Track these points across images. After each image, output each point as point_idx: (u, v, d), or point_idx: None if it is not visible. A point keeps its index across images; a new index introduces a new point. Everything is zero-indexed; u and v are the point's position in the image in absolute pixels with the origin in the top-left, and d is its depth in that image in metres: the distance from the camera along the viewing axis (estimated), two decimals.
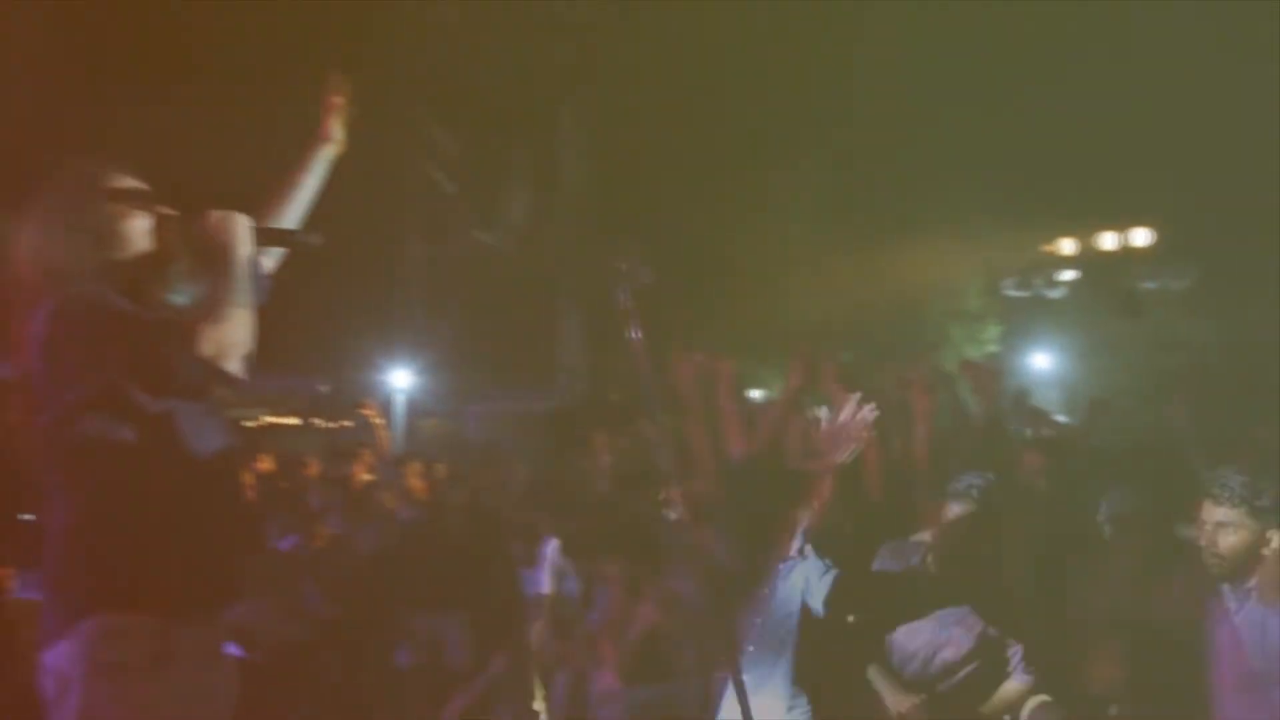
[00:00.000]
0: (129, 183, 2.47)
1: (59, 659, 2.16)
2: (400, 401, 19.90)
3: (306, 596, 6.45)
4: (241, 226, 2.41)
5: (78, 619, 2.15)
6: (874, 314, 26.94)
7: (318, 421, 20.26)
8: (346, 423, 18.66)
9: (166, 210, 2.47)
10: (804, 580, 3.67)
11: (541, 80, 28.72)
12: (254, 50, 16.04)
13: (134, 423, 2.19)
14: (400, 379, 20.30)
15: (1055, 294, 17.72)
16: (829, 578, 3.60)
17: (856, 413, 3.38)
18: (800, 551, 3.66)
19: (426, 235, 26.04)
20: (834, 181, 28.37)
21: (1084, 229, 17.93)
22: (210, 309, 2.25)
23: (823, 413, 3.52)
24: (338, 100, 2.99)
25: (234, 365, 2.21)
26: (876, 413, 3.43)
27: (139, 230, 2.43)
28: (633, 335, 2.37)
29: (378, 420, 8.02)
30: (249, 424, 15.31)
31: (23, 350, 2.24)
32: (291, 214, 2.81)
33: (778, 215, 30.33)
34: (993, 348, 29.02)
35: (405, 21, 23.49)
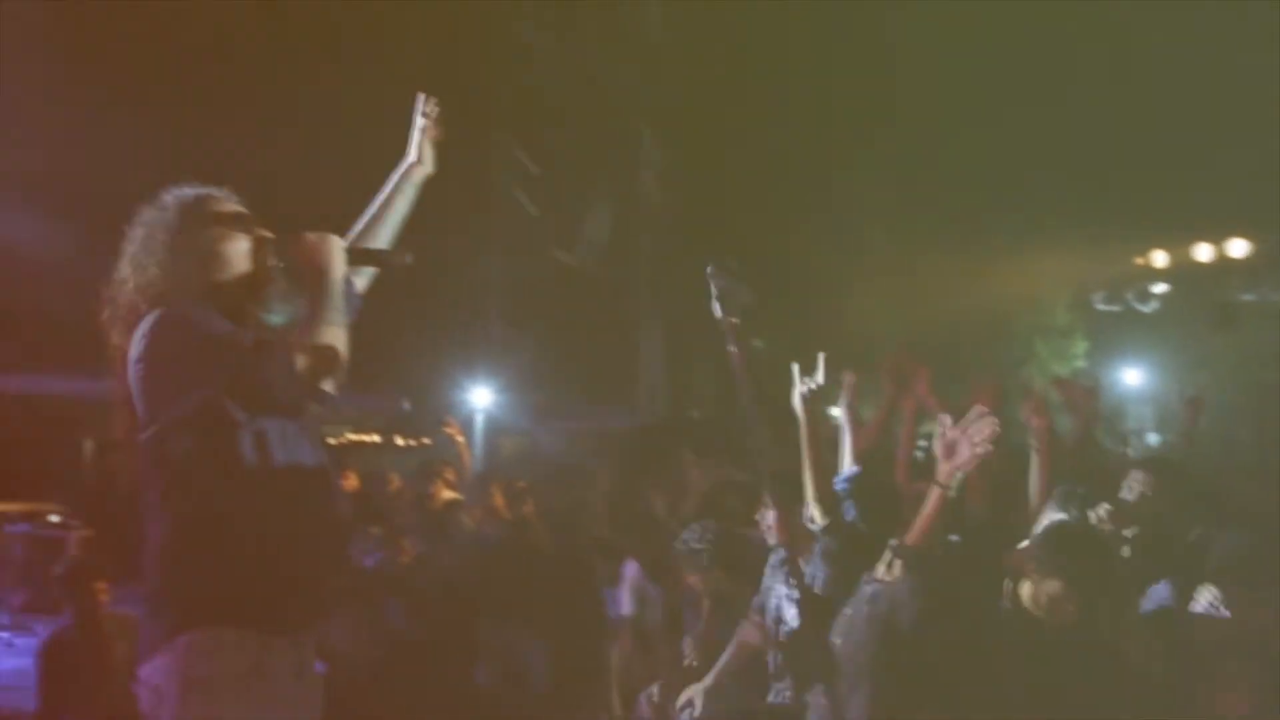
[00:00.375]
0: (229, 206, 2.54)
1: (155, 673, 2.20)
2: (481, 419, 20.06)
3: (389, 613, 6.52)
4: (336, 247, 2.46)
5: (174, 634, 2.19)
6: (958, 330, 26.51)
7: (399, 439, 20.58)
8: (426, 440, 18.95)
9: (264, 232, 2.53)
10: (889, 602, 3.56)
11: (621, 100, 28.95)
12: (344, 74, 16.40)
13: (229, 440, 2.24)
14: (481, 397, 20.47)
15: (1148, 307, 17.15)
16: (918, 599, 3.48)
17: (977, 423, 3.16)
18: (889, 568, 3.55)
19: (508, 254, 26.34)
20: (916, 194, 28.01)
21: (1177, 240, 17.39)
22: (306, 328, 2.30)
23: (945, 421, 3.32)
24: (428, 123, 3.01)
25: (329, 383, 2.25)
26: (997, 427, 3.20)
27: (238, 251, 2.48)
28: (734, 352, 2.34)
29: (460, 438, 8.07)
30: (332, 441, 15.57)
31: (125, 368, 2.32)
32: (384, 236, 2.86)
33: (859, 230, 30.07)
34: (1081, 363, 28.38)
35: (486, 43, 23.83)
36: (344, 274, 2.44)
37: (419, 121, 3.00)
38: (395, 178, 2.98)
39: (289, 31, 16.55)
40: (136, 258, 2.43)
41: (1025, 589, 3.51)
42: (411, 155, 3.00)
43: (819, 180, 29.92)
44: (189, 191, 2.53)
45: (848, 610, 3.70)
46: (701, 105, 32.38)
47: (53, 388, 13.99)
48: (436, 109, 3.03)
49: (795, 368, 4.23)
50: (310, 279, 2.40)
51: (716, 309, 2.36)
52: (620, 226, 29.66)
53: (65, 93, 13.12)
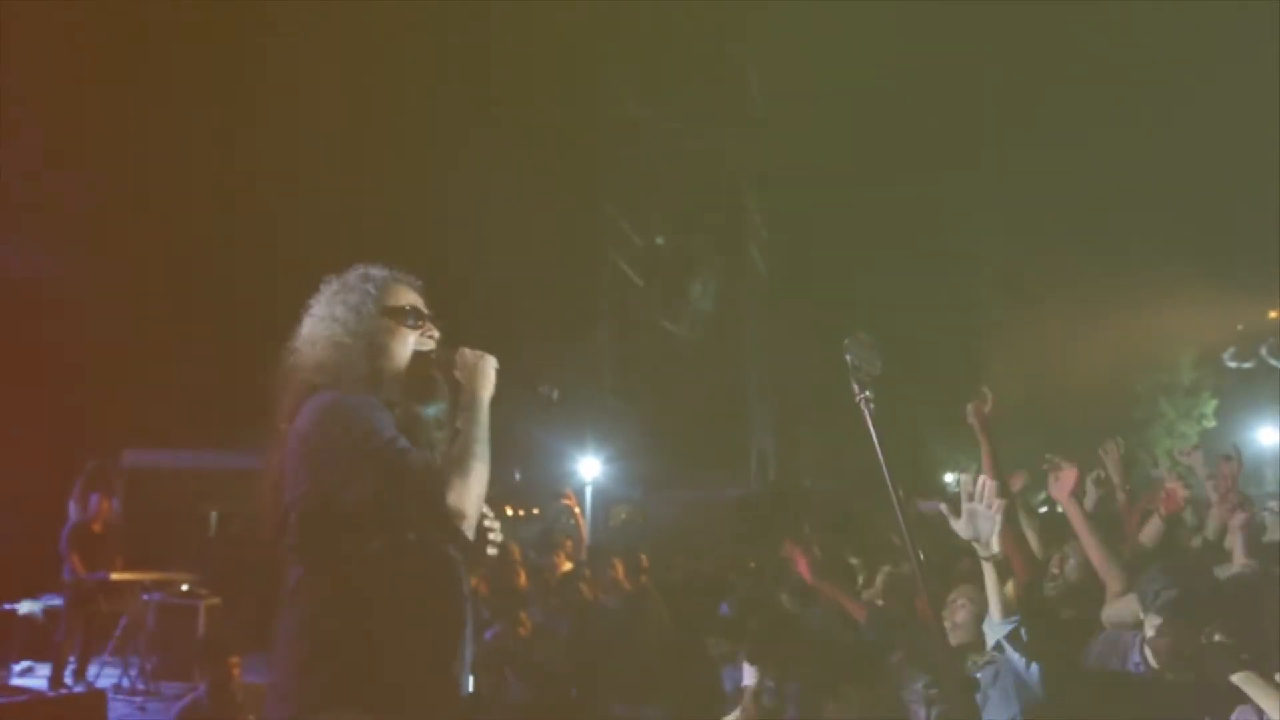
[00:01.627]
0: (412, 296, 2.57)
1: None
2: (590, 490, 20.11)
3: (509, 688, 6.52)
4: (491, 368, 2.51)
5: (302, 715, 2.20)
6: (1078, 391, 25.75)
7: (508, 509, 20.75)
8: (536, 510, 19.03)
9: (434, 334, 2.56)
10: (1013, 678, 3.42)
11: (725, 170, 29.27)
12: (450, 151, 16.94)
13: (377, 530, 2.26)
14: (591, 467, 20.54)
15: None
16: (1035, 668, 3.35)
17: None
18: (998, 648, 3.42)
19: (615, 325, 26.64)
20: (1034, 254, 27.44)
21: None
22: (458, 457, 2.33)
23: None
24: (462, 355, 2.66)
25: (467, 524, 2.29)
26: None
27: (408, 348, 2.52)
28: (871, 430, 2.28)
29: (576, 509, 8.10)
30: None
31: (283, 440, 2.36)
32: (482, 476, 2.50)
33: (976, 294, 29.60)
34: (1211, 423, 27.16)
35: (592, 118, 24.38)
36: (492, 395, 2.47)
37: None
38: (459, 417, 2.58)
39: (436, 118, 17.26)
40: (314, 333, 2.47)
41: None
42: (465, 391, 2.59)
43: (929, 247, 29.68)
44: (378, 273, 2.56)
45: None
46: (805, 173, 32.53)
47: (182, 461, 14.57)
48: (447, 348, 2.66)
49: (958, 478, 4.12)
50: (463, 395, 2.45)
51: (854, 387, 2.31)
52: (726, 296, 29.83)
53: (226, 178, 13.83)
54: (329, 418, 2.31)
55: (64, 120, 12.97)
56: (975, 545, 3.14)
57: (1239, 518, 4.36)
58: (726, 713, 6.40)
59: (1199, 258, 20.76)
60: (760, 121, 33.26)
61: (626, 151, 27.39)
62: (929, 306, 27.23)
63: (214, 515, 16.02)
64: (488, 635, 6.72)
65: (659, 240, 27.87)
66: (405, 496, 2.24)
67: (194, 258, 13.78)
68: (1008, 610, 3.32)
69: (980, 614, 3.72)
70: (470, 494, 2.32)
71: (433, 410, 2.56)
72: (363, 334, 2.48)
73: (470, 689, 2.58)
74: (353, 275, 2.60)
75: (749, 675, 5.94)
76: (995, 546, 3.11)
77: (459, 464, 2.34)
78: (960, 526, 3.12)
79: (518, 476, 17.39)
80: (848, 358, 2.35)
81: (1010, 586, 3.44)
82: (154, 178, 13.78)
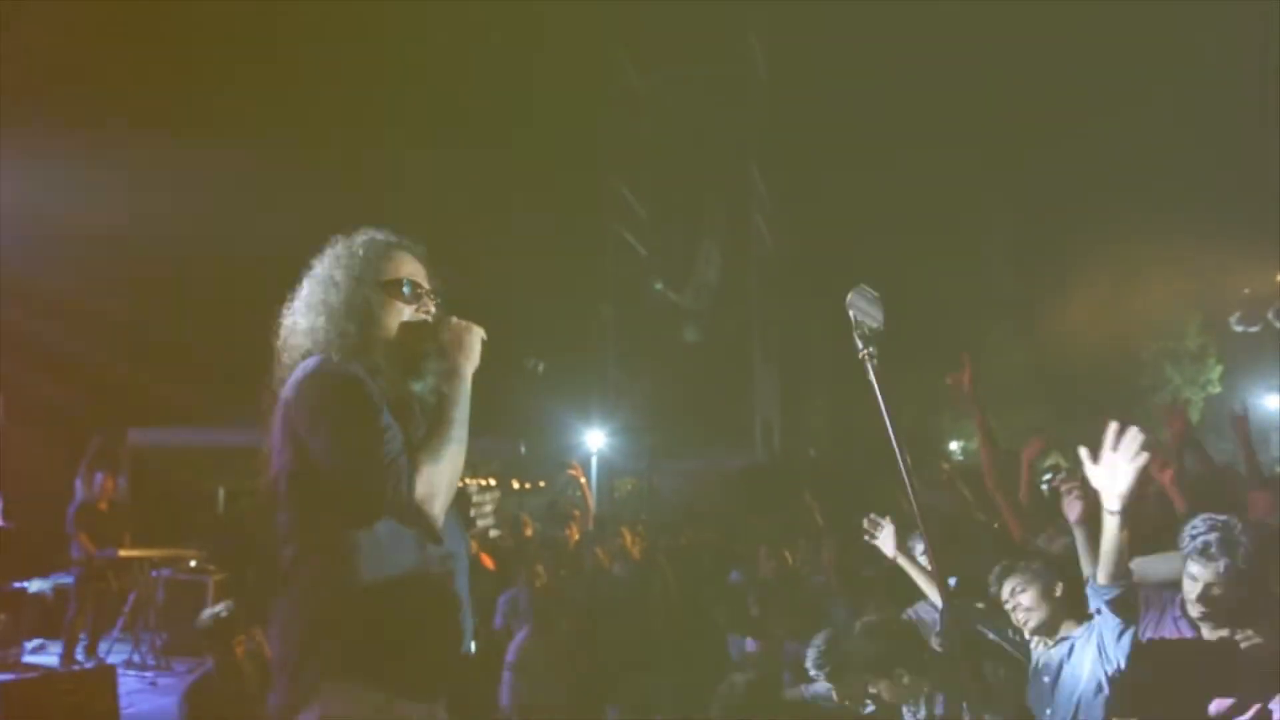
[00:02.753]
0: (411, 263, 2.53)
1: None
2: (595, 461, 20.16)
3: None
4: (477, 340, 2.46)
5: (311, 685, 2.19)
6: (1083, 359, 25.71)
7: (514, 482, 20.82)
8: (542, 483, 19.07)
9: (432, 306, 2.52)
10: (1095, 648, 3.32)
11: (729, 141, 29.11)
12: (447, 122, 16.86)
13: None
14: (596, 439, 20.58)
15: None
16: (1127, 637, 3.23)
17: (1125, 439, 2.95)
18: (1096, 611, 3.32)
19: (619, 297, 26.62)
20: (1037, 222, 27.33)
21: None
22: (432, 441, 2.30)
23: (1084, 453, 3.11)
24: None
25: (437, 509, 2.25)
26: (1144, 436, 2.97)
27: (399, 316, 2.47)
28: (874, 384, 2.25)
29: (583, 479, 8.10)
30: None
31: (276, 410, 2.32)
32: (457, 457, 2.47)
33: (982, 260, 29.50)
34: (1216, 388, 27.08)
35: (595, 90, 24.25)
36: (476, 367, 2.42)
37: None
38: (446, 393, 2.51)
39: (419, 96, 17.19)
40: (310, 299, 2.44)
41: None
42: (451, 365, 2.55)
43: (938, 214, 29.52)
44: (381, 239, 2.51)
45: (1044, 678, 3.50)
46: (810, 142, 32.34)
47: (188, 438, 14.60)
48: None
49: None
50: (447, 362, 2.41)
51: (856, 340, 2.28)
52: (731, 266, 29.73)
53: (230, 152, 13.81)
54: (313, 385, 2.28)
55: (61, 97, 12.93)
56: (1102, 497, 3.02)
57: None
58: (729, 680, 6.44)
59: (1205, 222, 20.62)
60: (764, 90, 33.08)
61: (630, 122, 27.26)
62: (934, 275, 27.13)
63: (221, 492, 16.10)
64: (502, 600, 6.72)
65: (661, 210, 27.80)
66: (373, 481, 2.22)
67: (199, 233, 13.75)
68: (1118, 574, 3.18)
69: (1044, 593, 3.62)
70: (441, 478, 2.29)
71: (420, 385, 2.53)
72: (357, 303, 2.44)
73: (472, 648, 2.57)
74: (357, 240, 2.54)
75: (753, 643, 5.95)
76: (1120, 503, 2.97)
77: (431, 447, 2.30)
78: (1095, 474, 2.99)
79: (523, 450, 17.38)
80: (850, 313, 2.31)
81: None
82: (157, 153, 13.72)
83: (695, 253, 28.09)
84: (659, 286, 27.02)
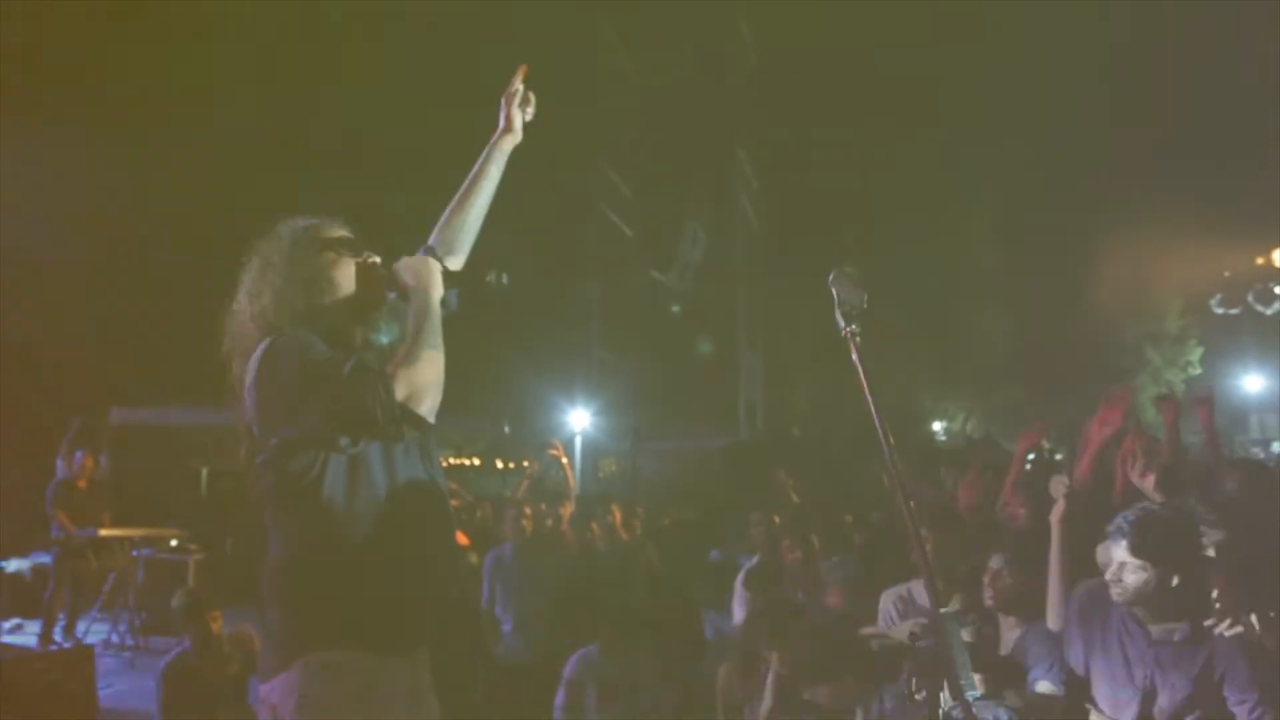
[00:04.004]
0: (339, 232, 2.58)
1: (273, 692, 2.23)
2: (580, 441, 20.16)
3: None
4: (434, 269, 2.49)
5: (292, 655, 2.23)
6: (1064, 340, 25.84)
7: (499, 462, 20.80)
8: (526, 463, 19.05)
9: (373, 257, 2.56)
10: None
11: (714, 121, 29.04)
12: (433, 105, 16.74)
13: (337, 464, 2.28)
14: (579, 419, 20.59)
15: (1271, 309, 16.20)
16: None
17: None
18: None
19: (604, 277, 26.57)
20: (1020, 205, 27.39)
21: None
22: (406, 353, 2.32)
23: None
24: (518, 89, 3.04)
25: (425, 408, 2.28)
26: None
27: (348, 277, 2.53)
28: (856, 363, 2.26)
29: (564, 459, 8.09)
30: None
31: (243, 395, 2.36)
32: (480, 203, 2.94)
33: (965, 240, 29.56)
34: (1196, 370, 27.26)
35: (580, 69, 24.10)
36: (442, 296, 2.46)
37: (512, 90, 3.02)
38: (489, 149, 3.02)
39: (375, 64, 17.05)
40: (252, 287, 2.49)
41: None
42: (502, 124, 3.03)
43: (923, 196, 29.54)
44: (300, 221, 2.58)
45: None
46: (796, 123, 32.28)
47: (171, 418, 14.54)
48: (526, 75, 3.05)
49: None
50: (411, 300, 2.44)
51: (838, 319, 2.29)
52: (716, 247, 29.71)
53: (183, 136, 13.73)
54: (266, 361, 2.32)
55: (42, 88, 12.83)
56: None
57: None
58: (708, 659, 6.47)
59: (1186, 206, 20.70)
60: (752, 73, 32.99)
61: (616, 102, 27.15)
62: (919, 257, 27.19)
63: (204, 472, 16.06)
64: (488, 559, 6.73)
65: (646, 190, 27.74)
66: (350, 414, 2.24)
67: (179, 211, 13.67)
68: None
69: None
70: (421, 377, 2.31)
71: (387, 336, 2.57)
72: (299, 274, 2.49)
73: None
74: (281, 225, 2.59)
75: (739, 613, 5.96)
76: None
77: (405, 357, 2.32)
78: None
79: (507, 429, 17.38)
80: (834, 291, 2.32)
81: None
82: (136, 135, 13.63)
83: (681, 233, 28.05)
84: (645, 267, 26.98)
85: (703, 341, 26.23)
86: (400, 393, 2.25)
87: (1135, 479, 4.17)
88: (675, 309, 27.10)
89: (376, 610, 2.29)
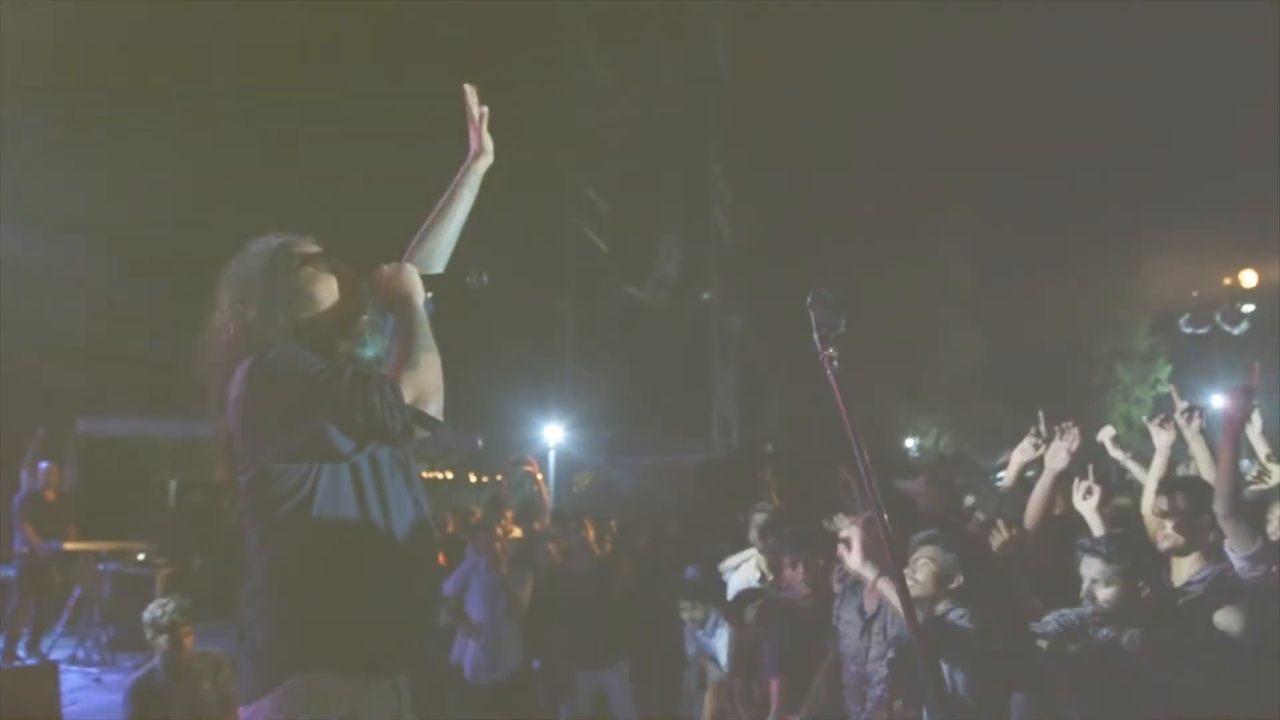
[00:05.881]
0: (313, 248, 2.57)
1: (257, 715, 2.18)
2: (553, 456, 20.09)
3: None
4: (413, 274, 2.49)
5: (276, 677, 2.18)
6: (1036, 358, 26.08)
7: (472, 476, 20.69)
8: (499, 477, 18.95)
9: (348, 269, 2.56)
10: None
11: (690, 137, 29.14)
12: (408, 116, 16.71)
13: (332, 478, 2.26)
14: (554, 434, 20.52)
15: (1237, 329, 16.37)
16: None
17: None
18: None
19: (579, 292, 26.54)
20: (993, 224, 27.63)
21: (1269, 259, 16.74)
22: (403, 356, 2.30)
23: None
24: (481, 111, 3.05)
25: (434, 409, 2.25)
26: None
27: (329, 290, 2.53)
28: (833, 385, 2.25)
29: (538, 475, 8.06)
30: None
31: (225, 411, 2.33)
32: (454, 226, 2.92)
33: (936, 256, 29.83)
34: (1165, 388, 27.60)
35: (555, 84, 24.13)
36: (425, 300, 2.45)
37: (477, 113, 3.03)
38: (462, 172, 3.02)
39: (352, 77, 16.99)
40: (234, 304, 2.46)
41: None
42: (474, 146, 3.04)
43: (897, 214, 29.78)
44: (274, 239, 2.58)
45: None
46: (770, 138, 32.44)
47: (139, 429, 14.35)
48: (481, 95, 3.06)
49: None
50: (395, 308, 2.44)
51: (815, 341, 2.27)
52: (690, 261, 29.77)
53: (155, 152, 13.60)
54: (259, 374, 2.28)
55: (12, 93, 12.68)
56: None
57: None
58: (686, 676, 6.43)
59: (1156, 226, 20.97)
60: (726, 87, 33.15)
61: (590, 115, 27.19)
62: (891, 272, 27.38)
63: (173, 485, 15.87)
64: (465, 564, 6.66)
65: (621, 205, 27.76)
66: (360, 418, 2.20)
67: (152, 223, 13.53)
68: None
69: (939, 573, 3.64)
70: (424, 379, 2.29)
71: (372, 350, 2.55)
72: (282, 290, 2.47)
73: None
74: (257, 244, 2.57)
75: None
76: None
77: (405, 361, 2.30)
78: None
79: (480, 444, 17.30)
80: (811, 314, 2.31)
81: None
82: (111, 147, 13.51)
83: (655, 248, 28.10)
84: (619, 282, 26.98)
85: (677, 356, 26.23)
86: (407, 396, 2.22)
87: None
88: (649, 324, 27.11)
89: (365, 633, 2.25)
